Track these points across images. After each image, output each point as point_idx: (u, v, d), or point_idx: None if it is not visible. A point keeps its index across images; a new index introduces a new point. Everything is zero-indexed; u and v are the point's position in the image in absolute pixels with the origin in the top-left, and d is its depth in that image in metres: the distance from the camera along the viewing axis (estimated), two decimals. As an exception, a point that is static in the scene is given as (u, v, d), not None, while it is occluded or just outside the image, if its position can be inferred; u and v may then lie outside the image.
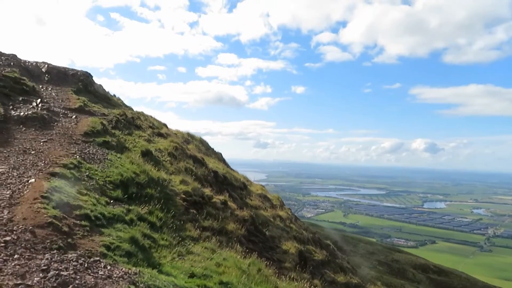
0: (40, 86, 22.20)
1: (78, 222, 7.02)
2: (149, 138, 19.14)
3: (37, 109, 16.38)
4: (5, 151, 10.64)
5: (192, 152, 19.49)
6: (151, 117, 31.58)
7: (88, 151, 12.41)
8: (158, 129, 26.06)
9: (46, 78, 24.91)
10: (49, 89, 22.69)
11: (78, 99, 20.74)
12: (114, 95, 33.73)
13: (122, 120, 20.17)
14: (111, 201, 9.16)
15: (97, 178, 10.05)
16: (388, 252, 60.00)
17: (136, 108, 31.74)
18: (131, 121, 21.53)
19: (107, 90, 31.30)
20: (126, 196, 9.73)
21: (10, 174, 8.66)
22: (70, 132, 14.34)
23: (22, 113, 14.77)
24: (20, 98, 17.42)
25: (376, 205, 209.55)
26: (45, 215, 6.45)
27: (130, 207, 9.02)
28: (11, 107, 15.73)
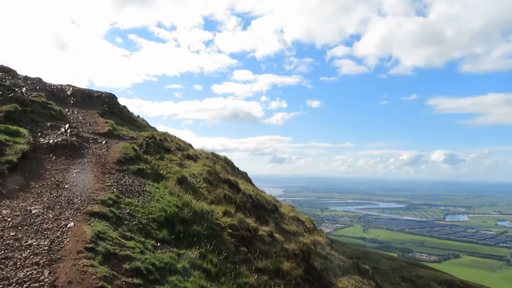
0: (67, 110, 21.45)
1: (130, 280, 5.81)
2: (181, 162, 18.02)
3: (66, 135, 15.46)
4: (37, 186, 9.57)
5: (225, 176, 18.29)
6: (175, 137, 30.69)
7: (124, 181, 11.29)
8: (186, 151, 25.04)
9: (71, 101, 24.23)
10: (75, 112, 21.92)
11: (106, 122, 19.84)
12: (138, 116, 33.01)
13: (152, 144, 19.15)
14: (158, 244, 7.96)
15: (139, 215, 8.88)
16: (411, 268, 57.39)
17: (154, 127, 30.91)
18: (160, 144, 20.51)
19: (131, 111, 30.58)
20: (173, 236, 8.51)
21: (45, 217, 7.55)
22: (103, 160, 13.29)
23: (51, 141, 13.81)
24: (48, 124, 16.55)
25: (396, 219, 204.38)
26: (94, 277, 5.26)
27: (180, 251, 7.79)
28: (39, 134, 14.82)
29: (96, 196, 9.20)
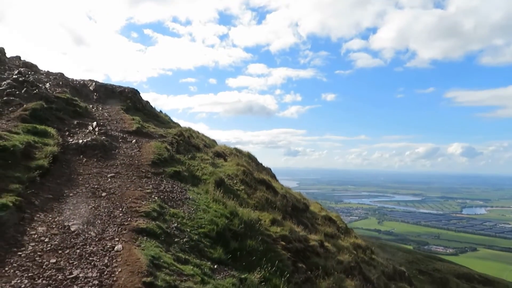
0: (91, 106, 20.47)
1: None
2: (212, 161, 16.89)
3: (95, 134, 14.42)
4: (71, 194, 8.51)
5: (259, 176, 17.10)
6: (199, 133, 29.65)
7: (164, 187, 10.18)
8: (213, 148, 23.96)
9: (94, 97, 23.28)
10: (100, 108, 20.94)
11: (133, 119, 18.78)
12: (161, 111, 32.02)
13: (181, 142, 18.05)
14: (215, 266, 6.83)
15: (188, 230, 7.76)
16: (428, 261, 55.94)
17: (177, 122, 29.86)
18: (189, 142, 19.41)
19: (153, 106, 29.53)
20: (229, 256, 7.37)
21: (87, 235, 6.45)
22: (136, 161, 12.20)
23: (80, 141, 12.77)
24: (75, 122, 15.55)
25: (411, 212, 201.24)
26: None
27: (241, 276, 6.67)
28: (67, 133, 13.81)
29: (138, 206, 8.09)
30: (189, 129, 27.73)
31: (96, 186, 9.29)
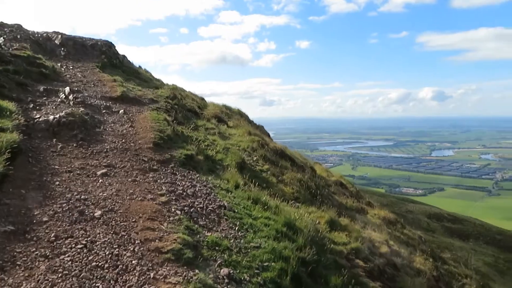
0: (60, 65, 16.39)
1: None
2: (218, 129, 13.59)
3: (70, 105, 10.71)
4: (46, 219, 5.17)
5: (275, 146, 14.00)
6: (185, 90, 25.91)
7: (183, 189, 6.89)
8: (207, 109, 20.52)
9: (62, 53, 19.02)
10: (71, 67, 16.88)
11: (114, 80, 14.94)
12: (140, 67, 27.74)
13: (176, 107, 14.51)
14: None
15: (246, 276, 4.66)
16: (401, 203, 56.79)
17: (159, 79, 25.86)
18: (184, 106, 15.86)
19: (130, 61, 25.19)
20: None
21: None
22: (132, 144, 8.78)
23: (51, 117, 9.13)
24: (41, 88, 11.70)
25: (384, 156, 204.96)
26: None
27: None
28: (31, 105, 10.08)
29: (159, 238, 4.89)
30: (181, 89, 24.03)
31: (83, 197, 5.95)
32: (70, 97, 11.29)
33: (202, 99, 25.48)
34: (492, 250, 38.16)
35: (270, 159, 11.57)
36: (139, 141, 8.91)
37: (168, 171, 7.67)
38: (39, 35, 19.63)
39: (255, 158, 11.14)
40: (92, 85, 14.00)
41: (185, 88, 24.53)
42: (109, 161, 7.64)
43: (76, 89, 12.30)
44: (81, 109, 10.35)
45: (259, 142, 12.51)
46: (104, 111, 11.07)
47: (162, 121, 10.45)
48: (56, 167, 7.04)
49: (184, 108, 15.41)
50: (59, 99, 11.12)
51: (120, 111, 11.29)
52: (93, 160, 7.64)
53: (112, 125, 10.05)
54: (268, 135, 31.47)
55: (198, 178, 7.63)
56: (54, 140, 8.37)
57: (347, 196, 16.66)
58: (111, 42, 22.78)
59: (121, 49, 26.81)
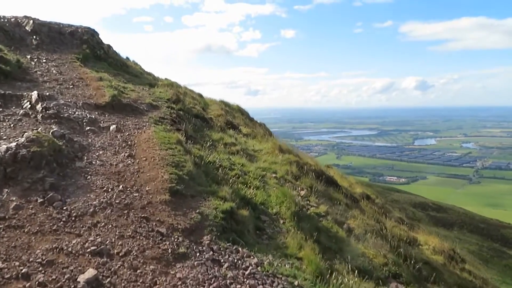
0: (29, 58, 12.65)
1: None
2: (241, 146, 10.16)
3: (37, 119, 7.14)
4: None
5: (308, 161, 10.69)
6: (181, 86, 22.32)
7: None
8: (210, 110, 17.15)
9: (34, 42, 15.25)
10: (43, 60, 13.18)
11: (100, 78, 11.29)
12: (128, 58, 23.86)
13: (182, 113, 11.00)
14: None
15: None
16: (387, 192, 56.01)
17: (151, 72, 22.09)
18: (190, 111, 12.34)
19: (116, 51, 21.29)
20: None
21: None
22: (136, 194, 5.31)
23: (3, 146, 5.58)
24: (-4, 94, 8.03)
25: (368, 146, 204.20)
26: None
27: None
28: (-24, 123, 6.47)
29: None
30: (177, 85, 20.50)
31: None
32: (39, 106, 7.68)
33: (200, 95, 21.95)
34: (476, 239, 37.69)
35: (320, 190, 8.28)
36: (147, 188, 5.45)
37: (205, 254, 4.27)
38: (5, 19, 15.70)
39: (303, 193, 7.81)
40: (71, 86, 10.33)
41: (175, 82, 20.91)
42: (99, 240, 4.19)
43: (47, 93, 8.64)
44: (54, 127, 6.80)
45: (297, 164, 9.16)
46: (88, 128, 7.50)
47: (175, 144, 6.97)
48: (1, 254, 3.58)
49: (191, 113, 11.91)
50: (21, 111, 7.51)
51: (111, 127, 7.73)
52: (71, 237, 4.18)
53: (101, 152, 6.53)
54: (270, 134, 28.11)
55: (255, 265, 4.27)
56: (5, 191, 4.85)
57: (380, 213, 13.56)
58: (93, 30, 18.95)
59: (105, 38, 22.88)
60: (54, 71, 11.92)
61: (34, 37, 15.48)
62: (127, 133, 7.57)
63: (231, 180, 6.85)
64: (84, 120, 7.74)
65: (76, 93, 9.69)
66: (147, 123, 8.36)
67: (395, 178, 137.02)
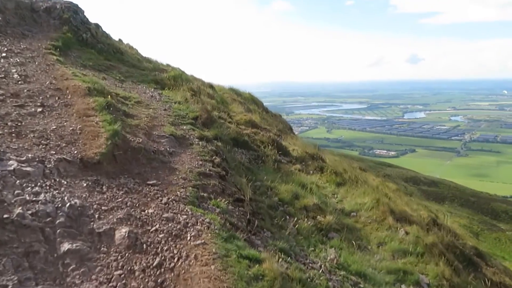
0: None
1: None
2: (329, 206, 5.90)
3: None
4: None
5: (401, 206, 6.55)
6: (195, 78, 17.81)
7: None
8: (230, 110, 12.92)
9: (-6, 24, 10.58)
10: (3, 51, 8.62)
11: (89, 91, 6.78)
12: (121, 41, 18.99)
13: (220, 145, 6.66)
14: None
15: None
16: (379, 167, 54.82)
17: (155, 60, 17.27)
18: (227, 133, 7.96)
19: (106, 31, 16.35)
20: None
21: None
22: None
23: None
24: None
25: (358, 119, 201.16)
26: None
27: None
28: None
29: None
30: (182, 72, 16.18)
31: None
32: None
33: (211, 86, 17.50)
34: (466, 212, 37.96)
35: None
36: None
37: None
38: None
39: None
40: (39, 110, 5.87)
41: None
42: None
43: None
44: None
45: (378, 202, 5.00)
46: (63, 247, 3.20)
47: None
48: None
49: (228, 138, 7.56)
50: None
51: (118, 236, 3.45)
52: None
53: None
54: (290, 128, 24.24)
55: None
56: None
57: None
58: (77, 5, 14.11)
59: (91, 14, 17.85)
60: (15, 75, 7.39)
61: (-6, 17, 10.77)
62: (155, 258, 3.27)
63: None
64: (56, 221, 3.41)
65: (47, 129, 5.25)
66: (192, 217, 4.02)
67: (385, 151, 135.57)
